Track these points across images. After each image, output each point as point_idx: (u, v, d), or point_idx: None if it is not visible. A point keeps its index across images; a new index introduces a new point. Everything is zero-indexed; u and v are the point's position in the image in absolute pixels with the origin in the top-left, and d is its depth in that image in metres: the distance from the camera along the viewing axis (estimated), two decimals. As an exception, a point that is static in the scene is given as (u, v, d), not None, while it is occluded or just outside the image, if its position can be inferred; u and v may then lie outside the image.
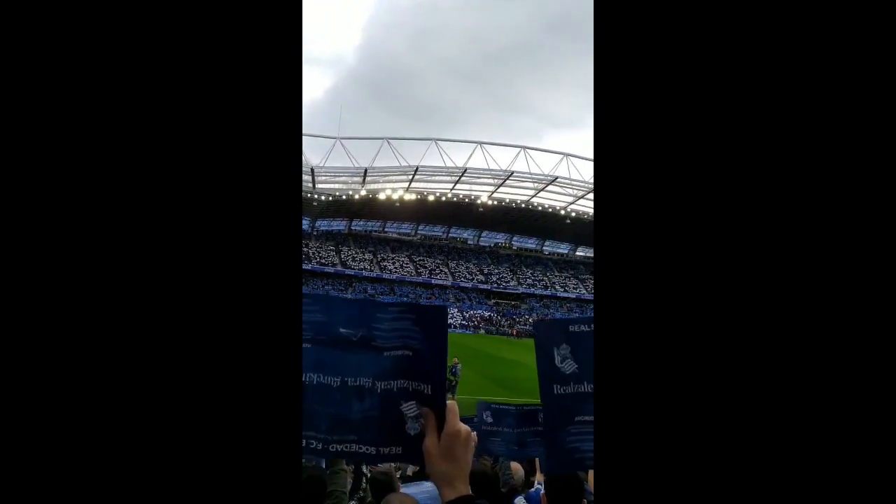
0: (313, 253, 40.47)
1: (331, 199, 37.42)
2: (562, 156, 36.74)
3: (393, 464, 3.58)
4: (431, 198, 39.67)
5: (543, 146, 37.72)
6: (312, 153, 32.38)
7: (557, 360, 0.89)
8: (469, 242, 51.99)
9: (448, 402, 0.77)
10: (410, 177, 36.36)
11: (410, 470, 3.77)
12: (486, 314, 42.89)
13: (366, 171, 34.73)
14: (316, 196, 35.51)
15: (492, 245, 52.46)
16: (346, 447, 0.81)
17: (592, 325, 0.92)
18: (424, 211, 43.03)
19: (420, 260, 45.73)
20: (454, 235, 50.97)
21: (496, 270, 48.15)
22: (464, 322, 40.07)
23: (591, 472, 3.29)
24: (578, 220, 42.96)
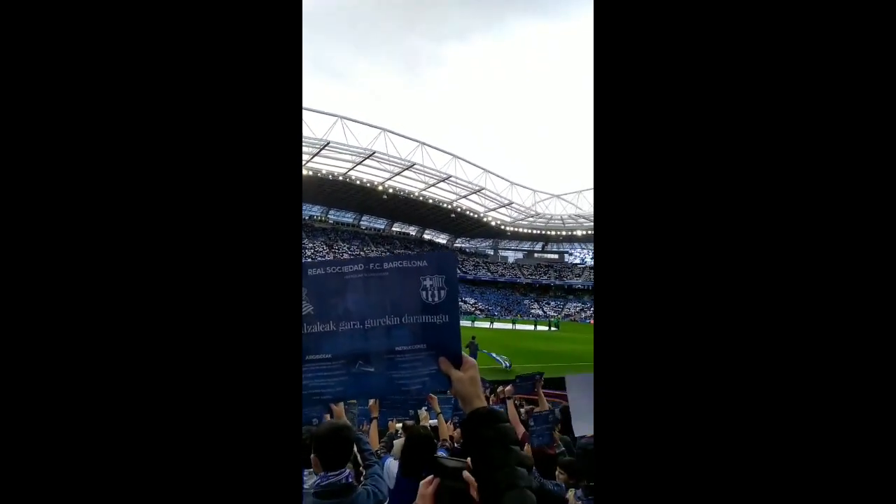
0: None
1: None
2: (380, 130, 36.99)
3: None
4: (236, 161, 35.20)
5: (362, 119, 37.14)
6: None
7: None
8: (281, 214, 48.28)
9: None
10: (209, 135, 31.43)
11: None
12: (300, 290, 40.85)
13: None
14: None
15: (307, 217, 49.94)
16: None
17: (361, 270, 0.92)
18: (227, 176, 37.97)
19: (221, 231, 40.41)
20: (264, 206, 46.57)
21: (311, 244, 46.17)
22: (274, 299, 37.33)
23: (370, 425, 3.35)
24: (395, 196, 44.18)
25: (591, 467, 3.11)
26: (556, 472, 3.21)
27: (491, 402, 5.36)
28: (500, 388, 6.88)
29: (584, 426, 1.92)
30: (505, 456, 0.68)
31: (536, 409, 5.00)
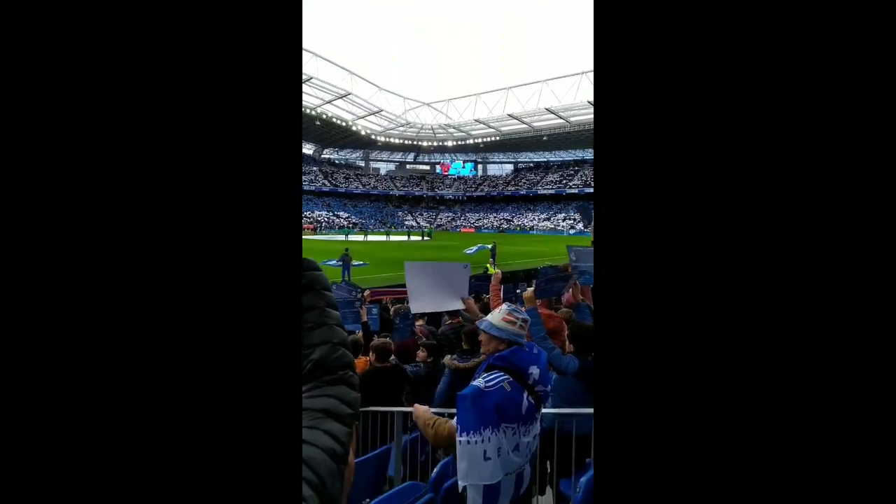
0: None
1: None
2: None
3: None
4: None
5: None
6: None
7: None
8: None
9: None
10: None
11: None
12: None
13: None
14: None
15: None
16: None
17: None
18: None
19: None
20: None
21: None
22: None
23: None
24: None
25: (453, 346, 3.36)
26: (417, 353, 3.41)
27: (366, 302, 5.45)
28: (367, 292, 7.02)
29: (417, 305, 2.11)
30: (315, 299, 0.69)
31: (398, 308, 5.20)
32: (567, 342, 2.55)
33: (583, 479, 1.75)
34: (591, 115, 41.51)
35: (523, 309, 2.93)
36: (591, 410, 2.33)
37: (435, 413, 1.89)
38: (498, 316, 1.81)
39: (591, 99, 39.25)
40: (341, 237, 33.20)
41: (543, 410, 1.83)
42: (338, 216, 48.94)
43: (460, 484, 1.62)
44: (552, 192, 51.74)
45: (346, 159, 62.17)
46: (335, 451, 0.58)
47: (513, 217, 51.74)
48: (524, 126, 47.96)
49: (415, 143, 56.49)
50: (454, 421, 1.65)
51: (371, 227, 46.83)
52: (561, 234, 40.60)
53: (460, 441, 1.61)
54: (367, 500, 2.16)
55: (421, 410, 1.93)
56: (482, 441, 1.57)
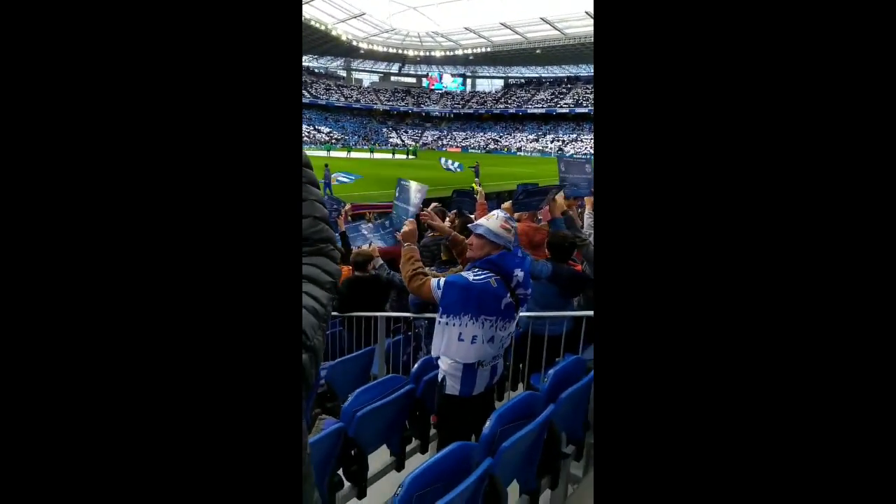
0: None
1: None
2: None
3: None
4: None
5: None
6: None
7: None
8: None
9: None
10: None
11: None
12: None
13: None
14: None
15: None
16: None
17: None
18: None
19: None
20: None
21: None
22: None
23: None
24: None
25: (434, 256, 3.45)
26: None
27: (345, 221, 5.44)
28: (348, 206, 6.98)
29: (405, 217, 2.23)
30: None
31: (377, 221, 5.24)
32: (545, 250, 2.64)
33: (550, 371, 1.91)
34: (588, 28, 38.95)
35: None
36: (562, 313, 2.48)
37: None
38: (496, 223, 1.86)
39: (589, 9, 36.64)
40: (323, 153, 32.08)
41: (520, 314, 1.96)
42: (319, 130, 46.86)
43: (433, 355, 1.84)
44: (542, 111, 49.94)
45: (327, 68, 58.12)
46: (315, 310, 0.61)
47: (500, 137, 50.32)
48: (517, 37, 44.90)
49: (400, 51, 52.75)
50: (434, 284, 1.81)
51: (354, 143, 45.17)
52: (548, 157, 39.95)
53: (440, 321, 1.80)
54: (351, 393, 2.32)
55: (409, 233, 2.03)
56: (459, 325, 1.76)
